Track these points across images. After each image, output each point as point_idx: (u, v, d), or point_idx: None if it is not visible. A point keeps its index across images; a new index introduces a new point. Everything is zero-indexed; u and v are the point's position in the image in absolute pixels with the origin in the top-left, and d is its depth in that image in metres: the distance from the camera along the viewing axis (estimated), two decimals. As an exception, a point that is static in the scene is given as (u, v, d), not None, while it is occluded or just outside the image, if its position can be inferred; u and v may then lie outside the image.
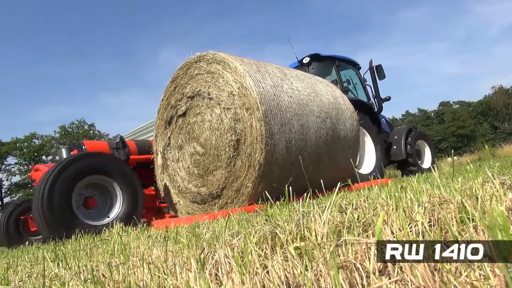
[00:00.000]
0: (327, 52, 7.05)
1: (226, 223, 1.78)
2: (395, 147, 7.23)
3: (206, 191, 3.72)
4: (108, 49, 74.56)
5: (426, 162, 7.88)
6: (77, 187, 3.08)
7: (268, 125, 3.28)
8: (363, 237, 1.10)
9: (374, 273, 0.82)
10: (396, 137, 7.30)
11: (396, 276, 0.79)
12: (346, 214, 1.29)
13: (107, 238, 2.79)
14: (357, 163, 5.64)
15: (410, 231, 1.03)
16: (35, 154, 36.87)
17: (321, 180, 1.92)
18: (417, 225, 1.04)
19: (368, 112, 6.49)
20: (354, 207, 1.47)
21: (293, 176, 3.37)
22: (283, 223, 1.33)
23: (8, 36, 59.80)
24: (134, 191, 3.28)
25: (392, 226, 1.12)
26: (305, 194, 1.74)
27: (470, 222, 1.03)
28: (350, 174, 4.43)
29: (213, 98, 3.66)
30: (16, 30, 62.24)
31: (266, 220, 1.55)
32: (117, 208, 3.22)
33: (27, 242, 4.09)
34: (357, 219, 1.25)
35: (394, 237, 1.03)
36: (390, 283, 0.78)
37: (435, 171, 1.65)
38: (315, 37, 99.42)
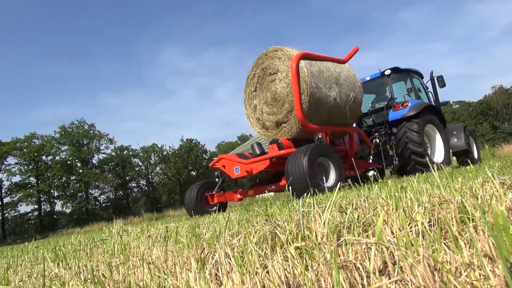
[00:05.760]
0: (403, 66, 8.93)
1: (226, 223, 1.78)
2: (455, 140, 8.73)
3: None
4: (108, 49, 74.33)
5: (475, 154, 9.48)
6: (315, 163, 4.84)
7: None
8: (363, 237, 1.10)
9: (374, 273, 0.82)
10: (455, 132, 8.94)
11: (396, 276, 0.79)
12: (346, 214, 1.29)
13: (107, 238, 2.80)
14: (430, 153, 7.66)
15: (410, 231, 1.03)
16: (35, 154, 36.82)
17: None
18: (417, 225, 1.04)
19: (436, 114, 8.27)
20: (354, 207, 1.47)
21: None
22: (283, 223, 1.33)
23: (8, 36, 59.79)
24: (340, 167, 5.11)
25: (392, 226, 1.12)
26: None
27: (470, 222, 1.03)
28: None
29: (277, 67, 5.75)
30: (16, 30, 62.26)
31: (266, 220, 1.55)
32: (332, 178, 4.99)
33: (206, 212, 5.83)
34: (357, 219, 1.25)
35: (394, 237, 1.03)
36: (390, 283, 0.78)
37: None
38: (315, 37, 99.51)
